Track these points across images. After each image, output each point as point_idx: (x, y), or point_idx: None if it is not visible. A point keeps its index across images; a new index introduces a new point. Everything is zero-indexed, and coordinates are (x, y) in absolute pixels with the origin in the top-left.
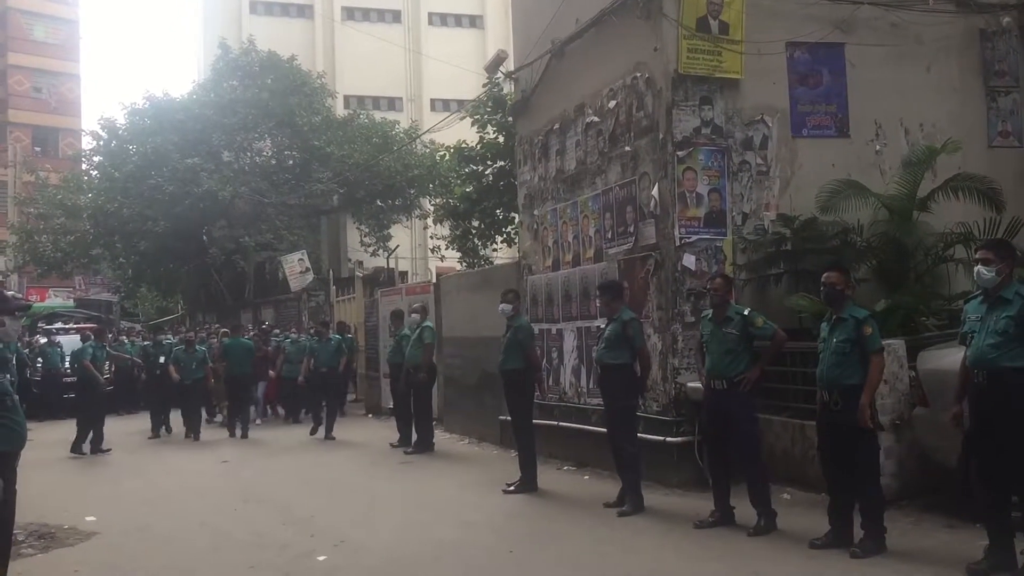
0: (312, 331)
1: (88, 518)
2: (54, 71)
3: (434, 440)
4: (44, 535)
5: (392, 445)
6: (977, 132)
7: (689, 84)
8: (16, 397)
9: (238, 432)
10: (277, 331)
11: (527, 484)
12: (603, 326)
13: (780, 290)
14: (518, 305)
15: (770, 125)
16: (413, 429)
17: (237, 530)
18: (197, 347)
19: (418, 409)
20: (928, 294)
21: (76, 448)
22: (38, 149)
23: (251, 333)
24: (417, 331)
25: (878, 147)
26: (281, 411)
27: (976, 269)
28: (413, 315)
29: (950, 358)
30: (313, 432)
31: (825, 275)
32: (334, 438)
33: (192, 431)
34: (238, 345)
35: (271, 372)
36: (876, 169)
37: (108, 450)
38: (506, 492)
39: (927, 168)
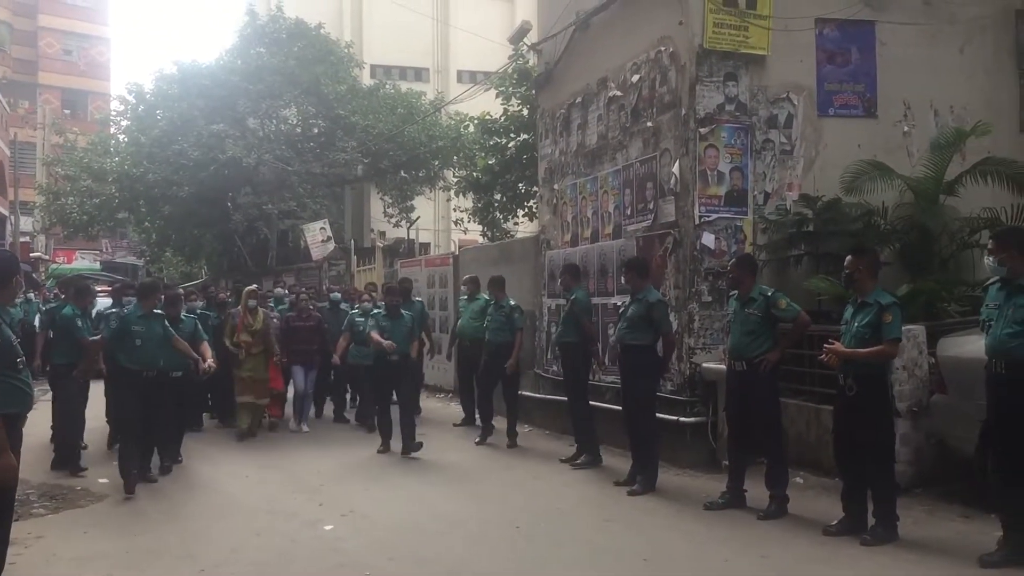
0: (374, 299)
1: (101, 480)
2: (84, 33)
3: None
4: (56, 495)
5: (455, 425)
6: (1009, 115)
7: (714, 59)
8: (23, 357)
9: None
10: (337, 299)
11: (589, 457)
12: (626, 304)
13: (800, 272)
14: (568, 280)
15: (796, 103)
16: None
17: (247, 497)
18: (184, 316)
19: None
20: (952, 280)
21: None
22: (67, 111)
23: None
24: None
25: (906, 128)
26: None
27: (985, 259)
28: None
29: (971, 345)
30: (383, 448)
31: (846, 259)
32: (421, 444)
33: (168, 458)
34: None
35: (335, 358)
36: (903, 151)
37: (85, 469)
38: (575, 467)
39: (956, 151)
